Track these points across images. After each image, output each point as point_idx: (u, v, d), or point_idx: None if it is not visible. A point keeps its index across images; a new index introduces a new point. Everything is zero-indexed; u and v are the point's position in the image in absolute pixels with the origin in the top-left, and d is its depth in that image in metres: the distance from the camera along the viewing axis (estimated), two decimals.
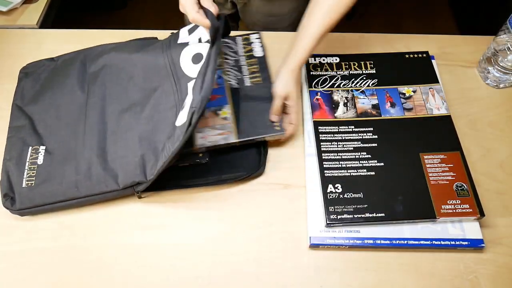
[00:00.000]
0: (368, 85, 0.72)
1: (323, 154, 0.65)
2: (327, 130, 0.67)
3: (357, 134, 0.66)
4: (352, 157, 0.64)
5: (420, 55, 0.76)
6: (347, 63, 0.75)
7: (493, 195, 0.64)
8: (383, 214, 0.59)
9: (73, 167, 0.61)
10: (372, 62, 0.75)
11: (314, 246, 0.59)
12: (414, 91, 0.71)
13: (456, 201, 0.60)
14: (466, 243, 0.58)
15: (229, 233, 0.61)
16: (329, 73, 0.74)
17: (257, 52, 0.75)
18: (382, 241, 0.58)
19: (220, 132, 0.65)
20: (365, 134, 0.67)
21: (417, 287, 0.57)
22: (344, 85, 0.72)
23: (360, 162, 0.64)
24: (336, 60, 0.76)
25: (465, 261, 0.58)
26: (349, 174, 0.63)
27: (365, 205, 0.60)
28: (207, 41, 0.64)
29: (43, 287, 0.57)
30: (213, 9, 0.57)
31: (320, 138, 0.66)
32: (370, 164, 0.63)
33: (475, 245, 0.58)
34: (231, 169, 0.65)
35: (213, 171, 0.65)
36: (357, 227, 0.60)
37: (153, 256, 0.59)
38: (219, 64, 0.72)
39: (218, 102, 0.68)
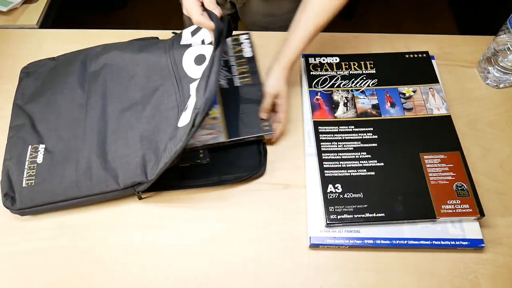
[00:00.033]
0: (368, 85, 0.72)
1: (323, 154, 0.65)
2: (327, 130, 0.67)
3: (357, 134, 0.66)
4: (352, 157, 0.64)
5: (420, 55, 0.76)
6: (347, 63, 0.75)
7: (493, 195, 0.64)
8: (383, 214, 0.59)
9: (73, 167, 0.61)
10: (372, 62, 0.75)
11: (314, 246, 0.59)
12: (414, 91, 0.71)
13: (456, 201, 0.60)
14: (466, 243, 0.58)
15: (229, 233, 0.61)
16: (329, 73, 0.74)
17: (247, 52, 0.75)
18: (382, 241, 0.59)
19: (210, 131, 0.65)
20: (365, 134, 0.67)
21: (417, 287, 0.57)
22: (344, 85, 0.73)
23: (360, 162, 0.64)
24: (336, 60, 0.76)
25: (465, 261, 0.58)
26: (349, 174, 0.63)
27: (365, 205, 0.60)
28: (210, 43, 0.65)
29: (43, 287, 0.57)
30: (217, 11, 0.57)
31: (320, 138, 0.66)
32: (370, 164, 0.64)
33: (475, 245, 0.58)
34: (231, 170, 0.65)
35: (213, 171, 0.65)
36: (357, 227, 0.60)
37: (153, 256, 0.59)
38: None
39: None
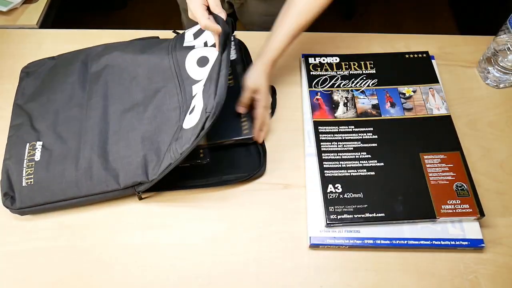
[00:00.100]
0: (368, 85, 0.72)
1: (323, 154, 0.65)
2: (327, 130, 0.67)
3: (357, 134, 0.66)
4: (352, 157, 0.64)
5: (420, 55, 0.76)
6: (347, 63, 0.75)
7: (493, 195, 0.64)
8: (383, 214, 0.59)
9: (73, 166, 0.61)
10: (372, 62, 0.75)
11: (314, 246, 0.59)
12: (414, 91, 0.71)
13: (456, 201, 0.60)
14: (466, 243, 0.58)
15: (229, 233, 0.61)
16: (329, 73, 0.74)
17: (231, 55, 0.75)
18: (382, 241, 0.59)
19: None
20: (365, 134, 0.67)
21: (417, 287, 0.57)
22: (344, 85, 0.73)
23: (360, 162, 0.64)
24: (336, 60, 0.76)
25: (465, 261, 0.58)
26: (349, 174, 0.63)
27: (365, 205, 0.60)
28: (213, 45, 0.65)
29: (43, 287, 0.57)
30: (223, 14, 0.57)
31: (320, 138, 0.66)
32: (370, 164, 0.64)
33: (475, 245, 0.58)
34: (231, 170, 0.65)
35: (213, 172, 0.65)
36: (357, 227, 0.60)
37: (153, 256, 0.59)
38: None
39: None
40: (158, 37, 0.78)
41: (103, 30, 0.84)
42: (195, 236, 0.61)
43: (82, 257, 0.59)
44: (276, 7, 0.69)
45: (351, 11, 1.94)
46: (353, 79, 0.73)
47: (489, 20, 1.21)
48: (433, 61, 0.76)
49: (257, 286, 0.57)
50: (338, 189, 0.61)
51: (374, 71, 0.74)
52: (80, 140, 0.63)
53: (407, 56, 0.76)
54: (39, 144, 0.63)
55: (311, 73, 0.74)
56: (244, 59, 0.75)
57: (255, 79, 0.66)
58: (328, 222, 0.59)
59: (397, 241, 0.58)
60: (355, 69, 0.74)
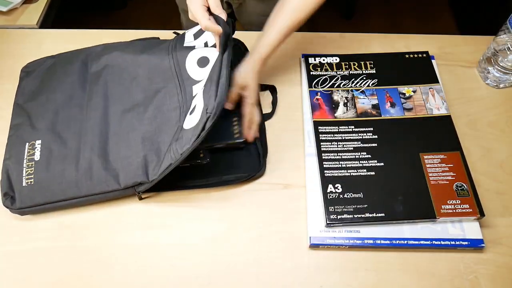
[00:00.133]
0: (368, 85, 0.72)
1: (323, 154, 0.65)
2: (327, 130, 0.67)
3: (357, 134, 0.66)
4: (352, 157, 0.64)
5: (420, 55, 0.76)
6: (347, 63, 0.75)
7: (493, 195, 0.64)
8: (383, 214, 0.59)
9: (73, 166, 0.61)
10: (372, 62, 0.75)
11: (314, 246, 0.59)
12: (414, 91, 0.71)
13: (456, 201, 0.60)
14: (466, 243, 0.58)
15: (229, 233, 0.61)
16: (329, 73, 0.74)
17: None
18: (382, 241, 0.59)
19: None
20: (365, 134, 0.67)
21: (417, 287, 0.57)
22: (344, 85, 0.73)
23: (360, 162, 0.64)
24: (336, 60, 0.76)
25: (465, 261, 0.58)
26: (349, 174, 0.63)
27: (365, 205, 0.60)
28: (213, 46, 0.65)
29: (43, 287, 0.57)
30: (223, 15, 0.57)
31: (320, 138, 0.66)
32: (370, 164, 0.64)
33: (475, 245, 0.58)
34: (231, 170, 0.65)
35: (213, 172, 0.65)
36: (357, 227, 0.60)
37: (153, 256, 0.59)
38: None
39: None
40: (158, 38, 0.78)
41: (103, 30, 0.84)
42: (195, 236, 0.61)
43: (82, 257, 0.59)
44: (274, 7, 0.69)
45: (351, 11, 1.94)
46: (353, 79, 0.73)
47: (489, 20, 1.21)
48: (433, 61, 0.76)
49: (257, 286, 0.57)
50: (338, 189, 0.61)
51: (374, 71, 0.74)
52: (80, 141, 0.63)
53: (407, 56, 0.76)
54: (38, 144, 0.63)
55: (311, 73, 0.74)
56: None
57: (244, 75, 0.66)
58: (328, 222, 0.59)
59: (397, 241, 0.58)
60: (355, 69, 0.74)
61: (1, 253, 0.60)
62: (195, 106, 0.58)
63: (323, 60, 0.76)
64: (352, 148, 0.65)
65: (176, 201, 0.64)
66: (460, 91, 0.76)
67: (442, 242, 0.58)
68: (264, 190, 0.65)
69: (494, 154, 0.68)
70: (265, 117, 0.71)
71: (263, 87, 0.75)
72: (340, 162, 0.64)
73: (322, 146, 0.66)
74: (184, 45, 0.68)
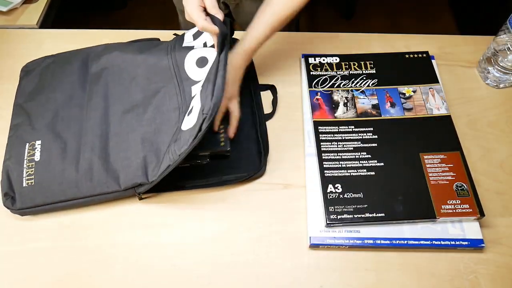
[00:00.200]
0: (368, 85, 0.72)
1: (323, 154, 0.65)
2: (327, 130, 0.67)
3: (357, 134, 0.66)
4: (352, 157, 0.64)
5: (420, 55, 0.76)
6: (347, 63, 0.75)
7: (493, 195, 0.64)
8: (383, 214, 0.59)
9: (73, 166, 0.61)
10: (372, 62, 0.75)
11: (314, 246, 0.59)
12: (414, 91, 0.71)
13: (456, 201, 0.60)
14: (466, 243, 0.58)
15: (229, 233, 0.61)
16: (329, 73, 0.74)
17: None
18: (382, 241, 0.59)
19: None
20: (365, 134, 0.67)
21: (417, 287, 0.57)
22: (344, 85, 0.73)
23: (360, 162, 0.64)
24: (336, 60, 0.76)
25: (465, 261, 0.58)
26: (349, 174, 0.63)
27: (365, 205, 0.60)
28: (212, 46, 0.65)
29: (43, 287, 0.57)
30: (220, 15, 0.57)
31: (320, 138, 0.66)
32: (370, 164, 0.64)
33: (475, 245, 0.58)
34: (231, 170, 0.65)
35: (213, 172, 0.65)
36: (357, 227, 0.60)
37: (154, 256, 0.59)
38: None
39: None
40: (158, 39, 0.78)
41: (103, 30, 0.84)
42: (195, 236, 0.61)
43: (82, 257, 0.59)
44: None
45: (351, 11, 1.94)
46: (353, 79, 0.73)
47: (489, 20, 1.21)
48: (433, 61, 0.76)
49: (257, 286, 0.57)
50: (338, 189, 0.61)
51: (374, 71, 0.74)
52: (81, 141, 0.63)
53: (407, 56, 0.76)
54: (38, 144, 0.63)
55: (311, 73, 0.74)
56: None
57: (229, 87, 0.66)
58: (328, 222, 0.59)
59: (397, 241, 0.58)
60: (355, 69, 0.74)
61: (1, 253, 0.60)
62: (192, 107, 0.58)
63: (323, 60, 0.76)
64: (352, 148, 0.65)
65: (176, 201, 0.64)
66: (460, 91, 0.76)
67: (442, 242, 0.58)
68: (264, 190, 0.65)
69: (494, 154, 0.68)
70: (266, 117, 0.71)
71: (263, 87, 0.75)
72: (340, 162, 0.64)
73: (322, 146, 0.66)
74: (183, 45, 0.68)
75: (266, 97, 0.74)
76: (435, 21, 1.92)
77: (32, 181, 0.60)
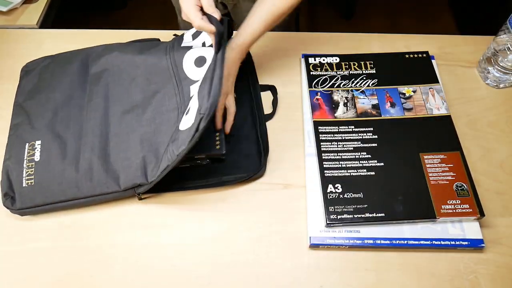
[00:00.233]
0: (368, 85, 0.72)
1: (323, 154, 0.65)
2: (327, 130, 0.67)
3: (357, 134, 0.66)
4: (352, 157, 0.64)
5: (420, 55, 0.76)
6: (347, 63, 0.75)
7: (493, 195, 0.64)
8: (383, 214, 0.59)
9: (73, 167, 0.61)
10: (372, 62, 0.75)
11: (314, 246, 0.59)
12: (414, 91, 0.71)
13: (456, 201, 0.60)
14: (466, 243, 0.58)
15: (229, 233, 0.61)
16: (329, 73, 0.74)
17: None
18: (382, 241, 0.59)
19: None
20: (365, 134, 0.67)
21: (417, 287, 0.57)
22: (344, 85, 0.73)
23: (360, 162, 0.64)
24: (336, 60, 0.76)
25: (465, 261, 0.58)
26: (349, 174, 0.63)
27: (365, 205, 0.60)
28: (211, 45, 0.65)
29: (43, 287, 0.57)
30: (217, 14, 0.57)
31: (320, 138, 0.66)
32: (370, 164, 0.64)
33: (475, 245, 0.58)
34: (231, 171, 0.65)
35: (213, 172, 0.65)
36: (357, 227, 0.60)
37: (154, 257, 0.59)
38: None
39: None
40: (159, 40, 0.78)
41: (103, 30, 0.84)
42: (195, 236, 0.61)
43: (82, 257, 0.59)
44: None
45: (351, 11, 1.94)
46: (353, 79, 0.73)
47: (489, 20, 1.21)
48: (433, 61, 0.76)
49: (257, 286, 0.57)
50: (338, 189, 0.61)
51: (374, 71, 0.74)
52: (81, 141, 0.63)
53: (407, 56, 0.76)
54: (38, 144, 0.63)
55: (311, 73, 0.74)
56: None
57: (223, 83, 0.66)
58: (328, 222, 0.59)
59: (397, 241, 0.58)
60: (355, 69, 0.74)
61: (1, 253, 0.60)
62: (190, 107, 0.58)
63: (323, 60, 0.76)
64: (352, 148, 0.65)
65: (176, 202, 0.64)
66: (460, 91, 0.76)
67: (442, 242, 0.58)
68: (264, 190, 0.65)
69: (494, 154, 0.68)
70: (266, 117, 0.71)
71: (263, 88, 0.75)
72: (340, 162, 0.64)
73: (322, 146, 0.66)
74: (182, 45, 0.68)
75: (266, 97, 0.74)
76: (435, 21, 1.92)
77: (32, 181, 0.60)
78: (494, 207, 0.62)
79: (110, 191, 0.60)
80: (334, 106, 0.70)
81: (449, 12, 1.95)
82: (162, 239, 0.61)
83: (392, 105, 0.70)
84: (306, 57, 0.76)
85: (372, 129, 0.67)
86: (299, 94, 0.75)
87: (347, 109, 0.69)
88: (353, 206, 0.60)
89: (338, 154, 0.65)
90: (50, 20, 1.06)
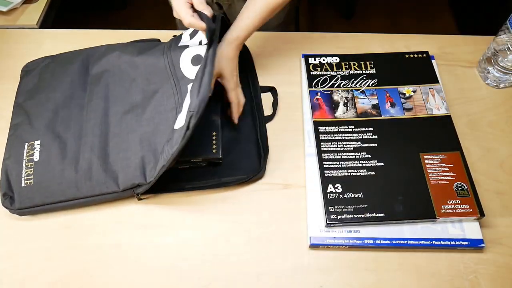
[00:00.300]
0: (368, 85, 0.72)
1: (323, 154, 0.65)
2: (327, 130, 0.67)
3: (357, 134, 0.66)
4: (352, 157, 0.64)
5: (420, 55, 0.76)
6: (347, 63, 0.75)
7: (493, 195, 0.64)
8: (383, 214, 0.59)
9: (72, 166, 0.60)
10: (372, 62, 0.75)
11: (314, 246, 0.59)
12: (414, 91, 0.71)
13: (456, 201, 0.60)
14: (466, 243, 0.58)
15: (229, 233, 0.61)
16: (329, 73, 0.74)
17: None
18: (382, 241, 0.58)
19: None
20: (365, 134, 0.67)
21: (417, 287, 0.57)
22: (344, 85, 0.73)
23: (360, 162, 0.64)
24: (336, 60, 0.76)
25: (465, 261, 0.58)
26: (349, 174, 0.63)
27: (365, 205, 0.60)
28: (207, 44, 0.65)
29: (43, 287, 0.57)
30: (207, 11, 0.57)
31: (320, 138, 0.66)
32: (370, 164, 0.63)
33: (475, 245, 0.58)
34: (231, 172, 0.65)
35: (213, 173, 0.65)
36: (357, 227, 0.60)
37: (154, 257, 0.59)
38: None
39: None
40: (159, 40, 0.78)
41: (103, 30, 0.84)
42: (195, 236, 0.61)
43: (82, 257, 0.59)
44: None
45: (351, 11, 1.94)
46: (353, 79, 0.73)
47: (489, 20, 1.21)
48: (433, 61, 0.76)
49: (257, 286, 0.57)
50: (338, 189, 0.61)
51: (374, 71, 0.74)
52: (80, 141, 0.63)
53: (407, 56, 0.76)
54: (37, 144, 0.63)
55: (311, 73, 0.74)
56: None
57: (216, 63, 0.65)
58: (328, 222, 0.59)
59: (397, 241, 0.58)
60: (355, 69, 0.74)
61: (1, 253, 0.60)
62: (184, 105, 0.58)
63: (323, 60, 0.76)
64: (352, 148, 0.65)
65: (176, 202, 0.64)
66: (460, 91, 0.76)
67: (442, 242, 0.58)
68: (264, 190, 0.65)
69: (494, 154, 0.68)
70: (266, 119, 0.71)
71: (264, 89, 0.75)
72: (340, 162, 0.64)
73: (322, 146, 0.66)
74: (179, 44, 0.68)
75: (266, 98, 0.74)
76: (435, 21, 1.92)
77: (31, 181, 0.60)
78: (494, 207, 0.62)
79: (109, 191, 0.60)
80: (334, 106, 0.70)
81: (449, 12, 1.95)
82: (162, 240, 0.61)
83: (392, 105, 0.70)
84: (306, 57, 0.76)
85: (372, 129, 0.67)
86: (299, 94, 0.75)
87: (347, 109, 0.69)
88: (353, 206, 0.60)
89: (338, 154, 0.65)
90: (50, 20, 1.05)
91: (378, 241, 0.59)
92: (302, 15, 1.71)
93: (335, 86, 0.72)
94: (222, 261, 0.59)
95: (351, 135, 0.66)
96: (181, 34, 0.70)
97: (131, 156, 0.60)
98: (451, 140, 0.66)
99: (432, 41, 0.82)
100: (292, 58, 0.79)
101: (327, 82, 0.73)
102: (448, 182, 0.61)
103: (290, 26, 1.01)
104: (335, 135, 0.67)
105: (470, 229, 0.59)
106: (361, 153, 0.65)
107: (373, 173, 0.63)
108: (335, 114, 0.69)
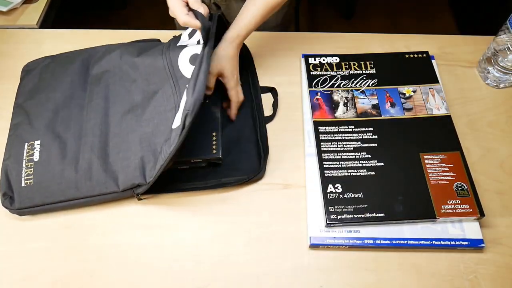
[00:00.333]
0: (368, 85, 0.72)
1: (323, 154, 0.65)
2: (327, 130, 0.67)
3: (357, 134, 0.66)
4: (352, 157, 0.64)
5: (420, 55, 0.76)
6: (347, 63, 0.75)
7: (493, 195, 0.64)
8: (383, 214, 0.59)
9: (72, 166, 0.60)
10: (372, 62, 0.75)
11: (314, 246, 0.59)
12: (414, 91, 0.71)
13: (456, 201, 0.60)
14: (466, 243, 0.58)
15: (229, 233, 0.61)
16: (329, 73, 0.74)
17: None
18: (382, 241, 0.58)
19: None
20: (365, 134, 0.67)
21: (417, 287, 0.57)
22: (344, 85, 0.73)
23: (360, 162, 0.64)
24: (336, 60, 0.76)
25: (465, 261, 0.58)
26: (349, 174, 0.63)
27: (365, 205, 0.60)
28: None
29: (43, 287, 0.57)
30: (202, 10, 0.57)
31: (320, 138, 0.66)
32: (370, 164, 0.63)
33: (475, 245, 0.58)
34: (231, 172, 0.65)
35: (213, 174, 0.65)
36: (357, 227, 0.60)
37: (153, 257, 0.59)
38: None
39: None
40: (159, 40, 0.78)
41: (103, 30, 0.84)
42: (195, 236, 0.61)
43: (82, 257, 0.59)
44: None
45: (351, 11, 1.94)
46: (353, 79, 0.73)
47: (489, 20, 1.21)
48: (433, 61, 0.76)
49: (257, 286, 0.57)
50: (338, 189, 0.61)
51: (374, 71, 0.74)
52: (80, 141, 0.63)
53: (407, 56, 0.76)
54: (37, 144, 0.63)
55: (311, 73, 0.74)
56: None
57: (217, 62, 0.66)
58: (328, 222, 0.59)
59: (397, 241, 0.58)
60: (355, 69, 0.74)
61: (1, 253, 0.60)
62: (181, 104, 0.58)
63: (323, 60, 0.76)
64: (352, 148, 0.65)
65: (175, 203, 0.64)
66: (460, 91, 0.76)
67: (442, 242, 0.58)
68: (264, 190, 0.65)
69: (494, 154, 0.68)
70: (266, 119, 0.71)
71: (264, 90, 0.75)
72: (340, 162, 0.64)
73: (322, 146, 0.66)
74: (178, 44, 0.68)
75: (266, 99, 0.74)
76: (435, 21, 1.92)
77: (31, 181, 0.60)
78: (494, 207, 0.62)
79: (109, 192, 0.60)
80: (334, 106, 0.70)
81: (449, 12, 1.95)
82: (162, 240, 0.61)
83: (392, 105, 0.70)
84: (306, 57, 0.76)
85: (372, 129, 0.67)
86: (299, 94, 0.75)
87: (347, 109, 0.69)
88: (353, 206, 0.60)
89: (338, 154, 0.65)
90: (50, 20, 1.05)
91: (378, 241, 0.59)
92: (302, 15, 1.70)
93: (335, 86, 0.72)
94: (222, 261, 0.59)
95: (351, 135, 0.66)
96: (181, 34, 0.70)
97: (131, 156, 0.60)
98: (451, 140, 0.66)
99: (432, 41, 0.82)
100: (292, 58, 0.79)
101: (327, 82, 0.73)
102: (448, 182, 0.61)
103: (290, 26, 1.02)
104: (335, 135, 0.67)
105: (470, 229, 0.59)
106: (361, 153, 0.65)
107: (373, 173, 0.63)
108: (335, 114, 0.69)
